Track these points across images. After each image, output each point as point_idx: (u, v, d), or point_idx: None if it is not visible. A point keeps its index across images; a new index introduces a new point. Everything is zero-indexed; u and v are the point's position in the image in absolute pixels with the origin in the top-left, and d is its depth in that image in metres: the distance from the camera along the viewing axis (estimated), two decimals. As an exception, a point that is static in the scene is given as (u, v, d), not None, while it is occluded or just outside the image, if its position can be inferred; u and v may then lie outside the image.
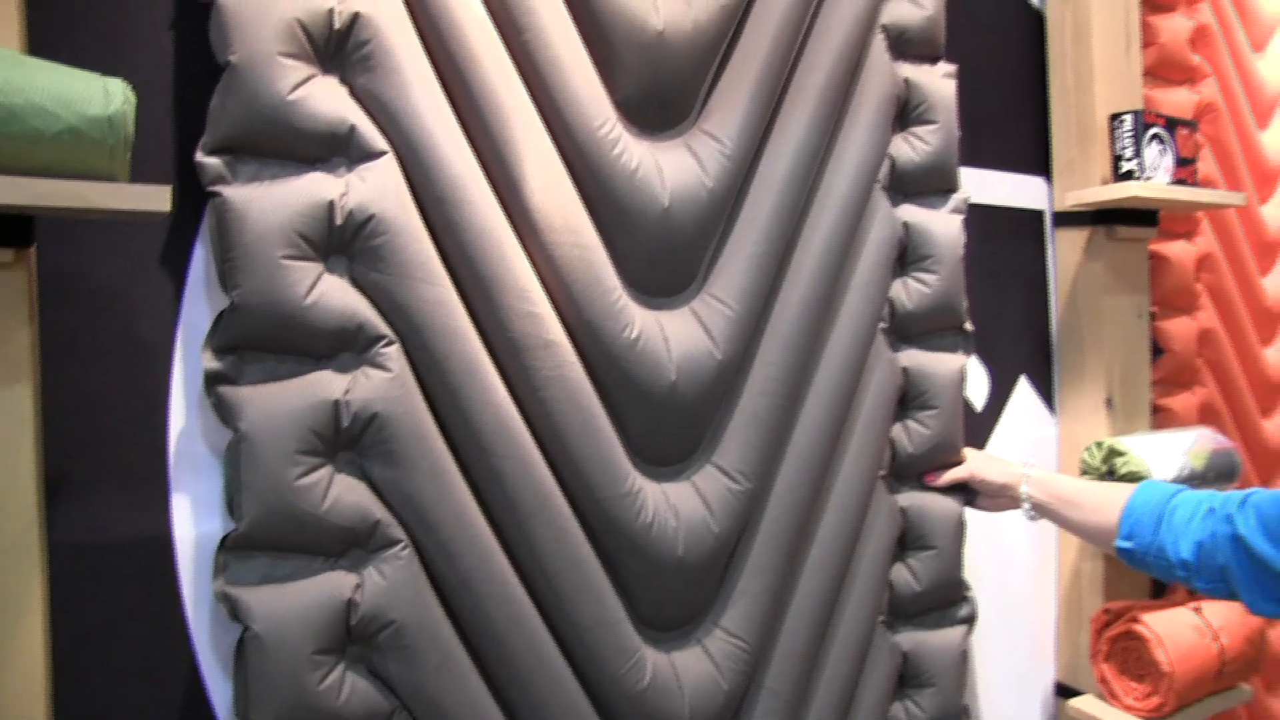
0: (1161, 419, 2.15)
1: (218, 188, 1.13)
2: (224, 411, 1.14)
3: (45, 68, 0.96)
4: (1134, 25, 2.04)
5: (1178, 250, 2.16)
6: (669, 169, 1.37)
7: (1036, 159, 2.04)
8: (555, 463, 1.29)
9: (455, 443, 1.22)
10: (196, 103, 1.16)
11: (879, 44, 1.62)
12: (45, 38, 1.09)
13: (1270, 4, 2.43)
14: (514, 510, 1.25)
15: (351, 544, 1.16)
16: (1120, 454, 1.85)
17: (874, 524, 1.59)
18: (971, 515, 1.69)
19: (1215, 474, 1.92)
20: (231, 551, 1.12)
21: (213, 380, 1.14)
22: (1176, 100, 2.17)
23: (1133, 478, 1.81)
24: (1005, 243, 1.99)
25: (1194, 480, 1.88)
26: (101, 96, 0.97)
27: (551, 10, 1.30)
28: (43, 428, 1.09)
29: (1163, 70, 2.16)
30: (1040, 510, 1.58)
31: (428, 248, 1.20)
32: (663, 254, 1.38)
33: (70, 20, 1.13)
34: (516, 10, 1.27)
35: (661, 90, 1.38)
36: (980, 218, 1.89)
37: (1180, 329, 2.17)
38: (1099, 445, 1.89)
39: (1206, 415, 2.26)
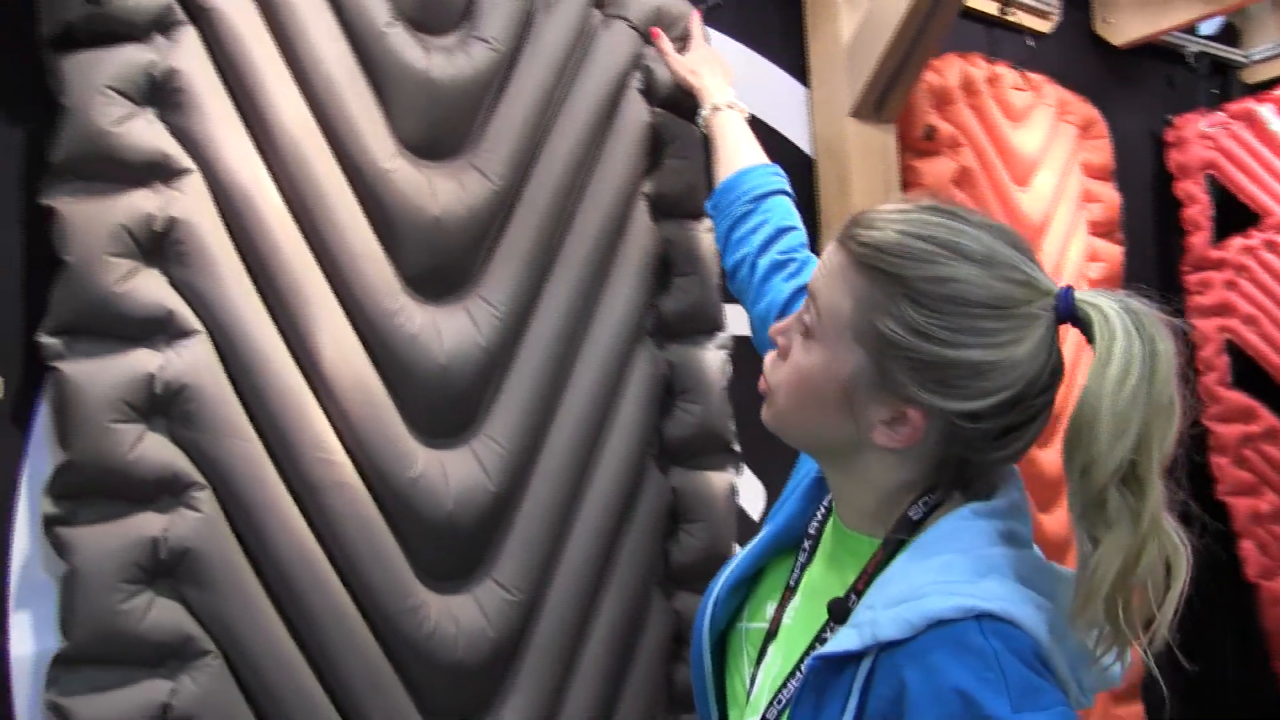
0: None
1: (56, 363, 1.50)
2: (60, 548, 1.50)
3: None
4: (893, 175, 2.53)
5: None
6: (447, 332, 1.78)
7: (811, 292, 2.49)
8: (349, 583, 1.67)
9: (261, 569, 1.60)
10: (44, 293, 1.53)
11: (641, 209, 2.05)
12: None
13: (1030, 144, 2.95)
14: (312, 625, 1.62)
15: (168, 656, 1.52)
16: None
17: (647, 627, 1.99)
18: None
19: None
20: (62, 666, 1.48)
21: (50, 522, 1.51)
22: (941, 235, 2.64)
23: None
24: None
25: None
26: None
27: (343, 201, 1.70)
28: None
29: (928, 209, 2.64)
30: (709, 130, 1.90)
31: (236, 410, 1.59)
32: (442, 404, 1.78)
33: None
34: (312, 204, 1.67)
35: (440, 266, 1.80)
36: (749, 349, 2.33)
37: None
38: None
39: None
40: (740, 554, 1.26)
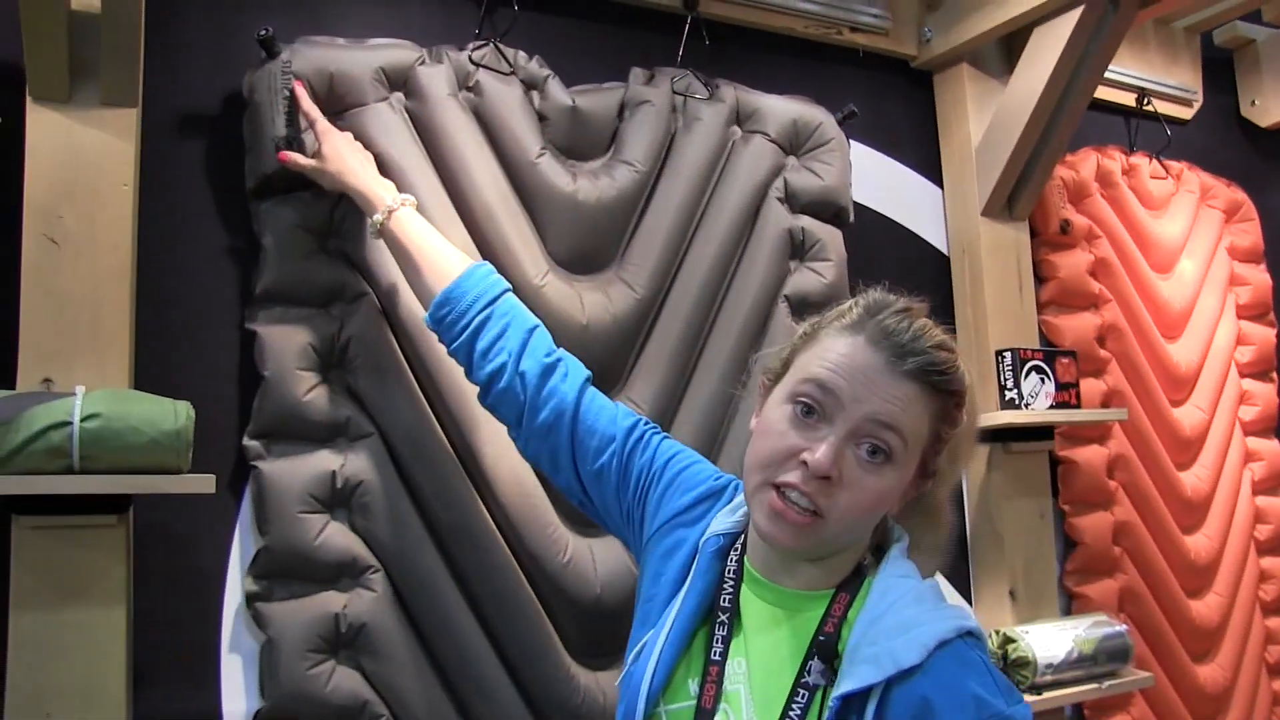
0: (1079, 605, 2.67)
1: (256, 462, 1.77)
2: (259, 621, 1.76)
3: (137, 398, 1.59)
4: (1025, 270, 2.66)
5: (1088, 454, 2.71)
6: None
7: (948, 384, 2.63)
8: (505, 656, 1.88)
9: (426, 641, 1.83)
10: (249, 402, 1.81)
11: (782, 311, 2.24)
12: (144, 375, 1.75)
13: (1171, 232, 3.02)
14: (471, 693, 1.84)
15: (349, 718, 1.75)
16: (1012, 641, 2.38)
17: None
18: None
19: (1106, 656, 2.45)
20: (262, 722, 1.74)
21: (251, 598, 1.77)
22: (1079, 325, 2.75)
23: (1022, 663, 2.34)
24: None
25: (1084, 662, 2.40)
26: (172, 416, 1.58)
27: (501, 316, 1.94)
28: (132, 637, 1.69)
29: (1065, 299, 2.76)
30: (388, 241, 1.72)
31: (405, 502, 1.83)
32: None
33: (161, 356, 1.79)
34: (474, 319, 1.91)
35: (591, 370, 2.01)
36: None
37: (1092, 524, 2.70)
38: (997, 633, 2.42)
39: (1128, 600, 2.77)
40: (657, 635, 1.28)
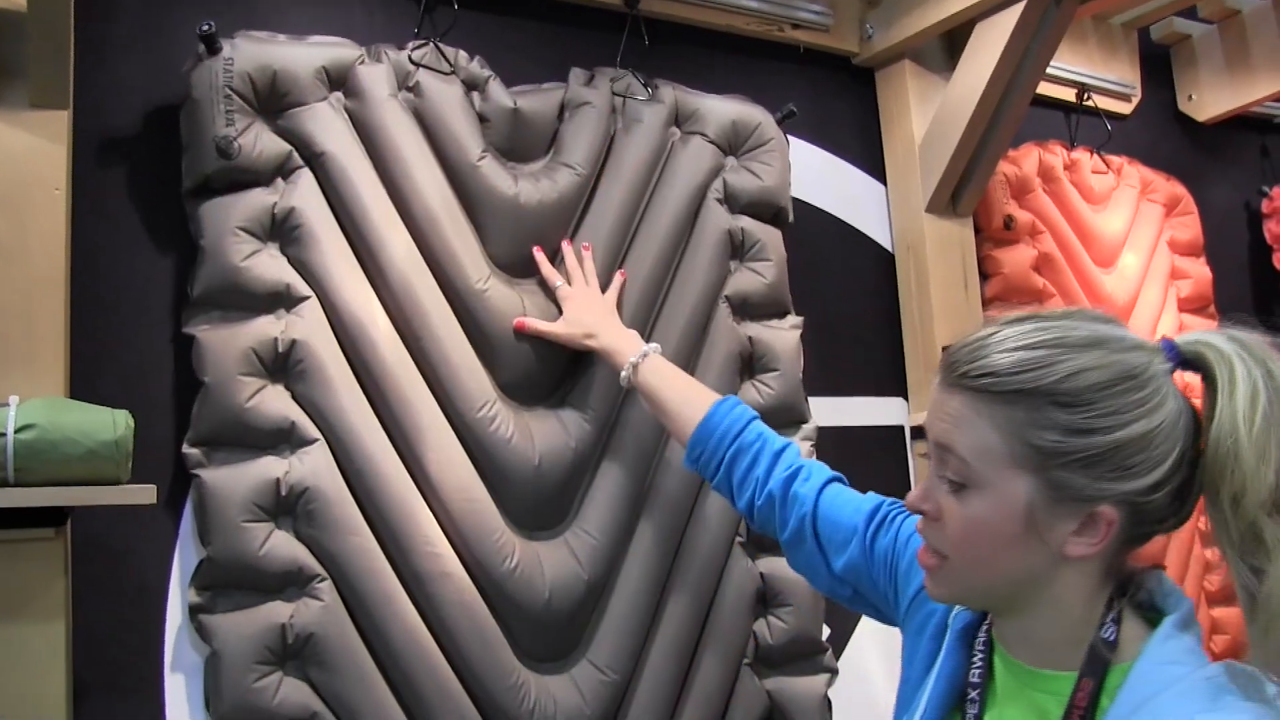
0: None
1: (197, 471, 1.76)
2: (203, 633, 1.75)
3: (75, 407, 1.58)
4: (970, 266, 2.69)
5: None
6: (540, 434, 1.99)
7: (897, 383, 2.66)
8: (455, 664, 1.87)
9: (376, 652, 1.82)
10: (188, 409, 1.79)
11: (723, 311, 2.25)
12: (80, 383, 1.73)
13: (1113, 226, 3.07)
14: (422, 702, 1.83)
15: (295, 730, 1.75)
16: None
17: (738, 706, 2.15)
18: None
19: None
20: (208, 738, 1.72)
21: (195, 610, 1.76)
22: (1024, 320, 2.78)
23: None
24: (871, 457, 2.59)
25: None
26: (110, 426, 1.57)
27: (443, 319, 1.93)
28: (72, 651, 1.67)
29: (1009, 295, 2.79)
30: (640, 389, 1.91)
31: (352, 509, 1.82)
32: (537, 500, 1.99)
33: (97, 364, 1.77)
34: (416, 322, 1.91)
35: (532, 374, 2.02)
36: (847, 439, 2.51)
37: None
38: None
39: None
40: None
